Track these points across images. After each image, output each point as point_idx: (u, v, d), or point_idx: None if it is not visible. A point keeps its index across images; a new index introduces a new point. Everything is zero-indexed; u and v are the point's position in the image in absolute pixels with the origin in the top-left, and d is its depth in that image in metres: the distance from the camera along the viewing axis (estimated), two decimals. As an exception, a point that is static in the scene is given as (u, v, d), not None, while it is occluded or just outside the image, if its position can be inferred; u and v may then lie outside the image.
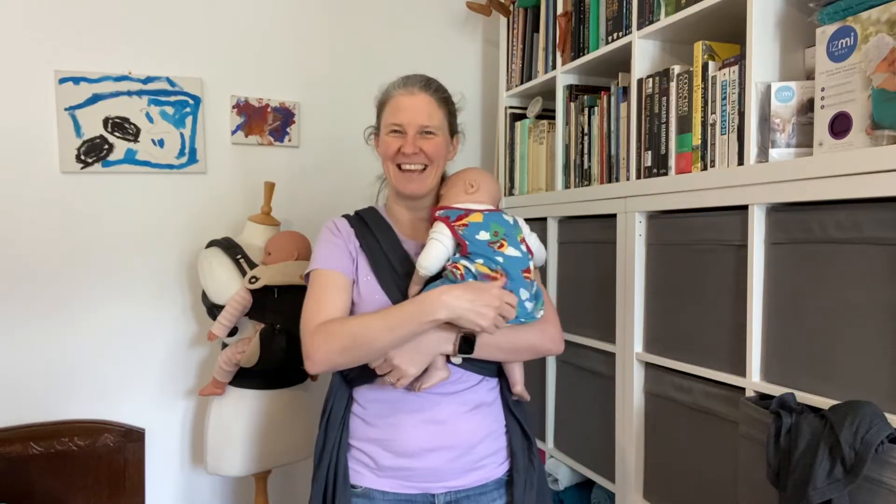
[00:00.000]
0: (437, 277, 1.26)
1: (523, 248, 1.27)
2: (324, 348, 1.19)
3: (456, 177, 1.39)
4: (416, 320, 1.17)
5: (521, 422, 1.38)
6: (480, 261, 1.21)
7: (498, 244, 1.23)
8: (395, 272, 1.32)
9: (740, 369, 1.37)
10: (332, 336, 1.19)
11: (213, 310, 2.01)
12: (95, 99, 2.11)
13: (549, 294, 2.05)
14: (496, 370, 1.39)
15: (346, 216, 1.44)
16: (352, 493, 1.29)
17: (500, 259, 1.22)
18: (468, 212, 1.27)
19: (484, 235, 1.22)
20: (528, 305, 1.25)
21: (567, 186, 2.04)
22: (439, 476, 1.29)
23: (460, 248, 1.23)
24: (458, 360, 1.28)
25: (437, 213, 1.29)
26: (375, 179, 1.56)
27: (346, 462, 1.31)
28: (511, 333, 1.29)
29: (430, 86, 1.38)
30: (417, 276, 1.27)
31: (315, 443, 1.35)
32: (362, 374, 1.30)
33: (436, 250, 1.24)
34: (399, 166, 1.35)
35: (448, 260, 1.24)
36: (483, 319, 1.17)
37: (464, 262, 1.21)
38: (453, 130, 1.43)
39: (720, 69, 1.46)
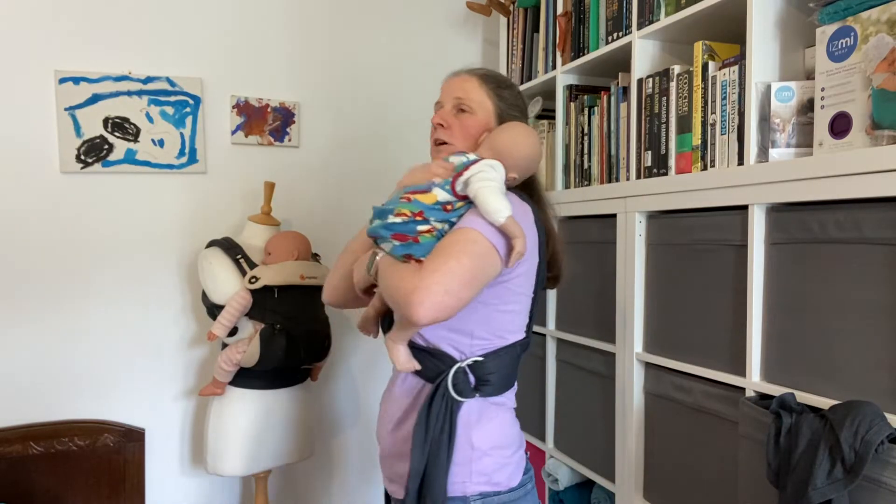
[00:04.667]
0: None
1: (437, 179, 1.21)
2: (326, 279, 1.42)
3: None
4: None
5: (413, 456, 1.16)
6: None
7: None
8: None
9: (740, 369, 1.37)
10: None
11: (213, 310, 2.01)
12: (95, 99, 2.11)
13: (547, 292, 2.05)
14: (430, 376, 1.22)
15: None
16: None
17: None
18: None
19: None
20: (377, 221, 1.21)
21: (567, 186, 2.04)
22: (384, 473, 1.33)
23: None
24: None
25: None
26: None
27: None
28: (391, 268, 1.15)
29: (476, 69, 1.37)
30: None
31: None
32: None
33: None
34: (434, 144, 1.34)
35: None
36: None
37: None
38: (504, 119, 1.32)
39: (720, 69, 1.46)
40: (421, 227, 1.15)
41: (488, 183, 1.15)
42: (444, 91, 1.36)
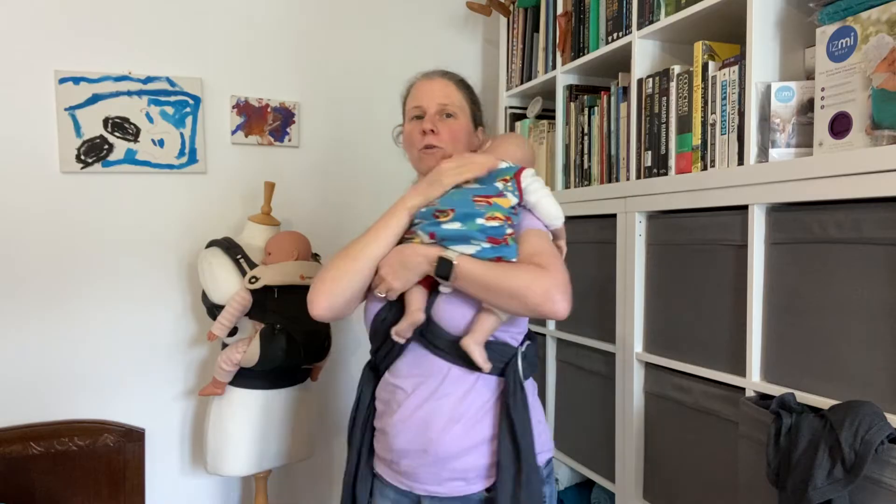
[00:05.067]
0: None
1: (498, 184, 1.25)
2: (319, 286, 1.26)
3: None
4: (386, 216, 1.26)
5: (516, 436, 1.22)
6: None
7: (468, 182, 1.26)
8: None
9: (740, 369, 1.37)
10: (323, 273, 1.27)
11: (213, 310, 2.01)
12: (95, 99, 2.11)
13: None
14: (499, 367, 1.26)
15: None
16: (372, 474, 1.38)
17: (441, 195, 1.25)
18: None
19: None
20: (457, 225, 1.21)
21: (567, 186, 2.04)
22: (418, 479, 1.28)
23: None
24: (446, 289, 1.22)
25: None
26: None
27: (370, 442, 1.36)
28: (498, 268, 1.18)
29: (450, 73, 1.41)
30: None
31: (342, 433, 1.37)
32: (381, 363, 1.33)
33: None
34: (423, 149, 1.34)
35: None
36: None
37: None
38: (477, 121, 1.42)
39: (720, 69, 1.46)
40: (508, 231, 1.21)
41: (547, 190, 1.30)
42: (423, 95, 1.36)
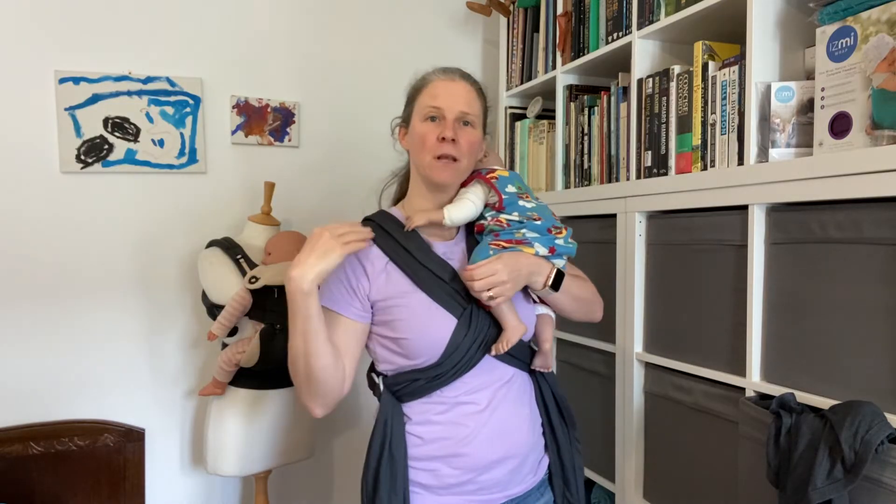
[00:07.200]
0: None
1: (538, 202, 1.36)
2: (302, 396, 1.23)
3: None
4: (294, 311, 1.12)
5: (561, 407, 1.37)
6: (516, 213, 1.28)
7: (524, 195, 1.31)
8: (441, 279, 1.23)
9: (740, 369, 1.37)
10: (297, 385, 1.23)
11: (213, 310, 2.01)
12: (95, 99, 2.11)
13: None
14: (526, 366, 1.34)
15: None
16: None
17: (528, 205, 1.29)
18: (494, 169, 1.33)
19: (511, 188, 1.30)
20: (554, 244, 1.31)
21: (567, 186, 2.04)
22: (502, 486, 1.26)
23: (496, 203, 1.28)
24: (545, 292, 1.30)
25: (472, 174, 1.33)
26: (390, 176, 1.49)
27: (407, 483, 1.24)
28: (582, 283, 1.38)
29: (470, 77, 1.33)
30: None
31: (366, 463, 1.25)
32: (413, 391, 1.24)
33: (466, 208, 1.28)
34: (436, 157, 1.24)
35: (478, 217, 1.31)
36: (337, 250, 1.11)
37: (503, 215, 1.28)
38: (485, 130, 1.35)
39: (720, 69, 1.46)
40: None
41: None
42: (444, 97, 1.26)
